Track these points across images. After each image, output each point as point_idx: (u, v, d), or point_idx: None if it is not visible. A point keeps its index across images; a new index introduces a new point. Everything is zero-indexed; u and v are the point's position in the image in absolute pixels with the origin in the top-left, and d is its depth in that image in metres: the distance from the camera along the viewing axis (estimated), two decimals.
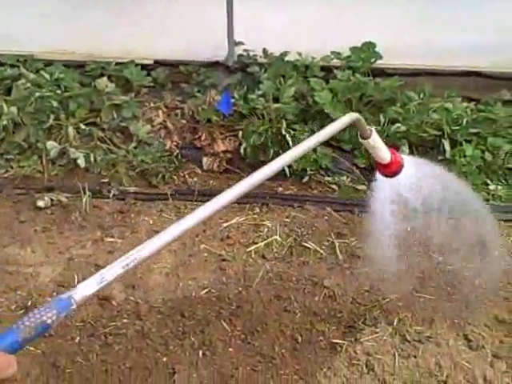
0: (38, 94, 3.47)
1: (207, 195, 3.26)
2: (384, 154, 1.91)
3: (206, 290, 2.61)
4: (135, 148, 3.48)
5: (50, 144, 3.41)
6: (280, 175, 3.40)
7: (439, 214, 2.35)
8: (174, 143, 3.57)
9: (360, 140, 1.89)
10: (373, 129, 1.86)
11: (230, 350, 2.35)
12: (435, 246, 2.85)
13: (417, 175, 2.07)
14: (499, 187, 3.25)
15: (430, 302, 2.59)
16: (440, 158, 3.32)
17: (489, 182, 3.29)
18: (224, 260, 2.76)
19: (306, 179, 3.35)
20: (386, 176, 2.00)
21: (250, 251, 2.83)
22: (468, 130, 3.34)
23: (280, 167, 1.51)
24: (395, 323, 2.46)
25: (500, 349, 2.35)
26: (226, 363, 2.29)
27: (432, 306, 2.57)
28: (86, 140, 3.51)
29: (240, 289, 2.61)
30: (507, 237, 3.00)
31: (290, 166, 3.34)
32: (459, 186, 2.31)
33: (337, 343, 2.40)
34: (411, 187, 2.08)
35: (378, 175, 2.03)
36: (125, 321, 2.48)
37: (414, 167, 2.04)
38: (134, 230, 2.96)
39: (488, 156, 3.31)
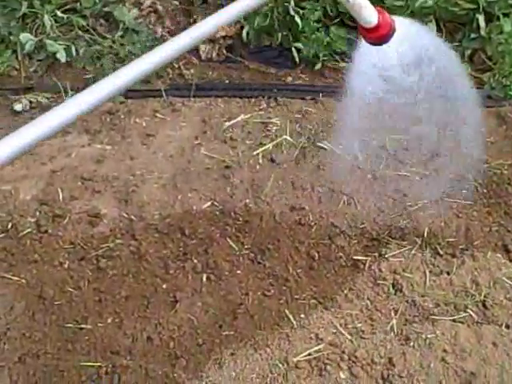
0: None
1: (206, 89, 2.87)
2: (369, 13, 1.45)
3: (208, 203, 2.29)
4: (122, 37, 3.04)
5: (25, 36, 2.97)
6: (288, 62, 2.98)
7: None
8: (166, 29, 3.11)
9: None
10: None
11: (238, 272, 2.08)
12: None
13: (411, 43, 1.61)
14: None
15: (464, 208, 2.27)
16: (473, 35, 2.86)
17: None
18: (228, 167, 2.42)
19: (318, 66, 2.92)
20: (373, 43, 1.53)
21: (257, 154, 2.48)
22: (507, 2, 2.84)
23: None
24: (425, 234, 2.16)
25: None
26: (233, 288, 2.03)
27: (466, 212, 2.25)
28: (66, 30, 3.06)
29: (247, 200, 2.29)
30: None
31: (299, 51, 2.90)
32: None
33: (359, 260, 2.12)
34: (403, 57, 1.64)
35: (362, 43, 1.56)
36: (118, 241, 2.20)
37: (407, 32, 1.57)
38: (125, 134, 2.60)
39: None
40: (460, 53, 2.83)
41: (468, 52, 2.86)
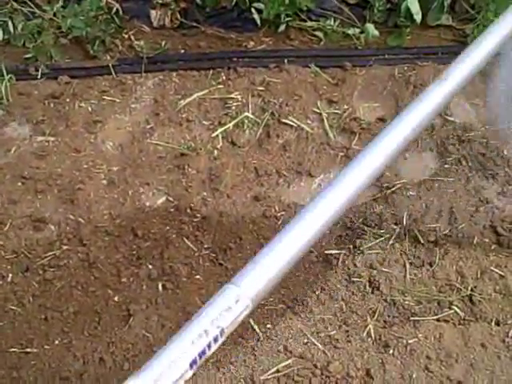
0: None
1: (159, 62, 2.58)
2: None
3: (162, 199, 2.05)
4: (63, 8, 2.72)
5: None
6: (249, 25, 2.68)
7: None
8: None
9: None
10: None
11: (197, 277, 1.87)
12: None
13: None
14: None
15: (447, 184, 2.04)
16: None
17: None
18: (183, 154, 2.17)
19: (282, 28, 2.62)
20: None
21: (216, 136, 2.23)
22: None
23: None
24: (404, 221, 1.94)
25: None
26: (192, 297, 1.82)
27: (450, 190, 2.03)
28: (0, 3, 2.75)
29: (205, 193, 2.05)
30: None
31: (259, 12, 2.60)
32: None
33: (331, 255, 1.91)
34: None
35: None
36: (65, 247, 1.97)
37: None
38: (70, 122, 2.32)
39: None
40: (440, 2, 2.54)
41: (448, 1, 2.57)
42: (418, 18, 2.49)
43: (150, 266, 1.89)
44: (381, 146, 0.98)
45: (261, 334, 1.72)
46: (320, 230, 0.87)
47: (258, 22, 2.62)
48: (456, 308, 1.75)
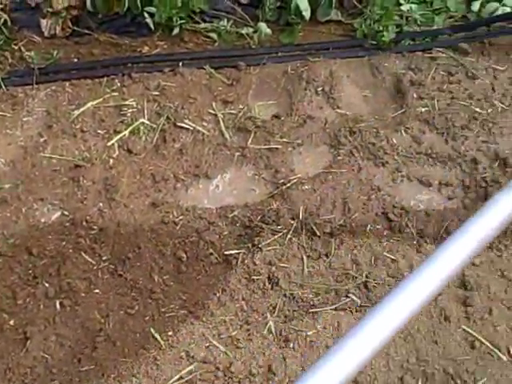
0: None
1: (52, 72, 2.52)
2: None
3: (57, 214, 2.01)
4: None
5: None
6: (143, 30, 2.65)
7: None
8: (0, 6, 2.70)
9: None
10: None
11: (96, 291, 1.83)
12: None
13: None
14: (413, 7, 2.61)
15: (340, 175, 2.08)
16: None
17: (401, 0, 2.63)
18: (78, 166, 2.12)
19: (176, 31, 2.61)
20: None
21: (112, 145, 2.20)
22: None
23: None
24: (301, 215, 1.97)
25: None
26: (91, 312, 1.79)
27: (343, 181, 2.07)
28: None
29: (101, 204, 2.02)
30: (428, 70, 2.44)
31: (152, 15, 2.57)
32: None
33: (231, 255, 1.92)
34: None
35: None
36: None
37: None
38: None
39: None
40: None
41: None
42: (307, 14, 2.53)
43: (47, 285, 1.85)
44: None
45: (162, 343, 1.71)
46: None
47: (152, 26, 2.60)
48: (352, 296, 1.79)
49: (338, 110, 2.29)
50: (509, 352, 1.72)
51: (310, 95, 2.32)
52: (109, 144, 2.20)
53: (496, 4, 2.66)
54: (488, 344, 1.72)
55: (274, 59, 2.49)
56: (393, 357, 1.67)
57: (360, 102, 2.35)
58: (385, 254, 1.87)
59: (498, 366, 1.68)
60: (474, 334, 1.74)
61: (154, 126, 2.25)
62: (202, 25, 2.66)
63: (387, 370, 1.66)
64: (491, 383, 1.66)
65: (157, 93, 2.36)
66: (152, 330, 1.74)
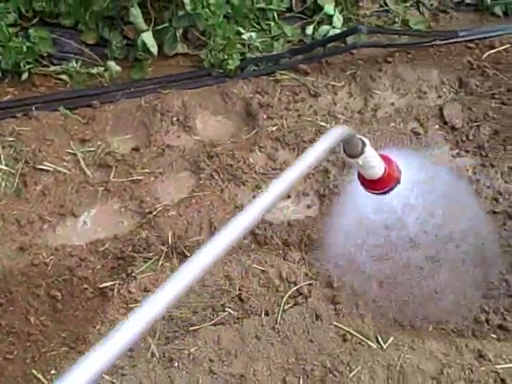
0: None
1: None
2: (376, 172, 1.34)
3: None
4: None
5: None
6: None
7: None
8: None
9: (344, 157, 1.29)
10: (366, 141, 1.27)
11: None
12: None
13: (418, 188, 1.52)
14: (253, 35, 2.81)
15: (203, 198, 2.19)
16: (181, 13, 2.74)
17: (241, 30, 2.83)
18: None
19: (25, 76, 2.60)
20: (374, 193, 1.42)
21: None
22: None
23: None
24: (170, 240, 2.05)
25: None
26: None
27: (207, 203, 2.18)
28: None
29: None
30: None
31: None
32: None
33: (106, 287, 1.95)
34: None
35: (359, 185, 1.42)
36: None
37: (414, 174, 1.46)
38: None
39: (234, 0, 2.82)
40: (172, 33, 2.72)
41: (180, 31, 2.76)
42: (154, 50, 2.64)
43: None
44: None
45: (46, 383, 1.70)
46: None
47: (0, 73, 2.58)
48: (229, 309, 1.89)
49: (195, 137, 2.41)
50: (377, 340, 1.88)
51: (166, 126, 2.42)
52: None
53: (327, 27, 2.93)
54: (358, 335, 1.87)
55: (127, 95, 2.56)
56: (273, 360, 1.78)
57: (214, 128, 2.48)
58: (254, 266, 1.99)
59: (369, 353, 1.82)
60: (345, 328, 1.89)
61: (13, 171, 2.23)
62: (52, 68, 2.67)
63: (269, 374, 1.77)
64: (365, 370, 1.80)
65: (12, 138, 2.34)
66: (34, 371, 1.72)
